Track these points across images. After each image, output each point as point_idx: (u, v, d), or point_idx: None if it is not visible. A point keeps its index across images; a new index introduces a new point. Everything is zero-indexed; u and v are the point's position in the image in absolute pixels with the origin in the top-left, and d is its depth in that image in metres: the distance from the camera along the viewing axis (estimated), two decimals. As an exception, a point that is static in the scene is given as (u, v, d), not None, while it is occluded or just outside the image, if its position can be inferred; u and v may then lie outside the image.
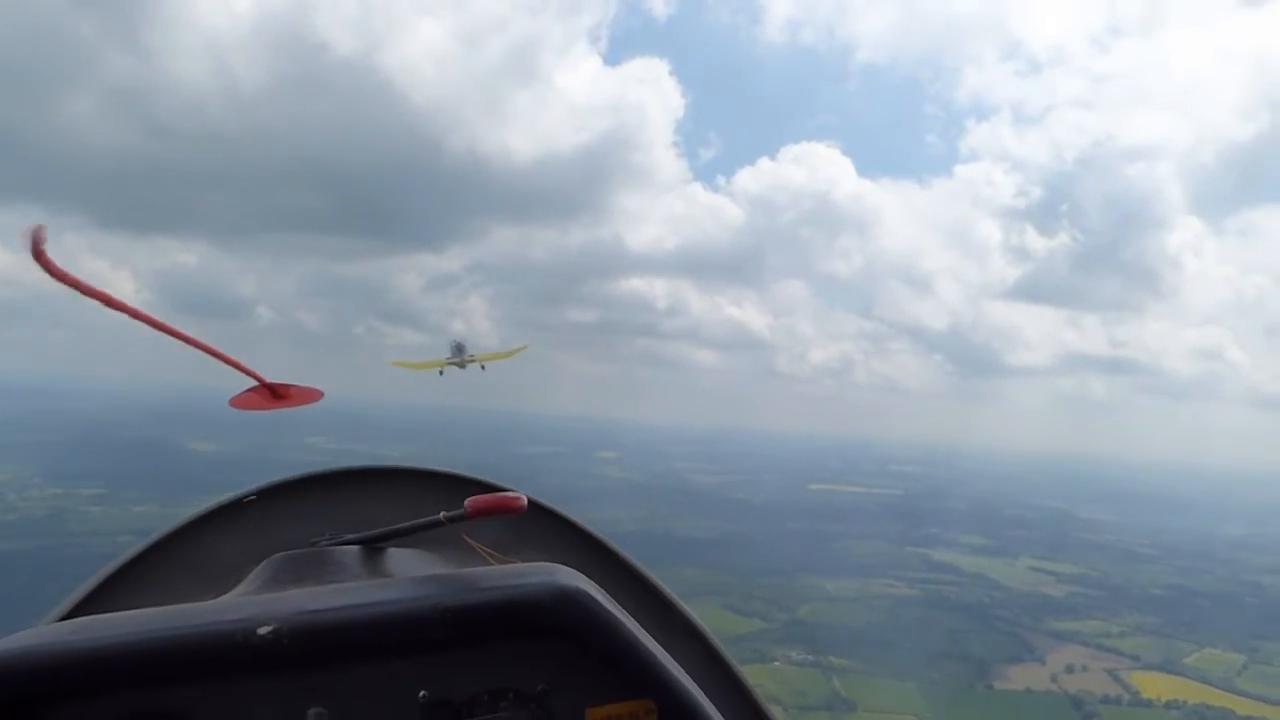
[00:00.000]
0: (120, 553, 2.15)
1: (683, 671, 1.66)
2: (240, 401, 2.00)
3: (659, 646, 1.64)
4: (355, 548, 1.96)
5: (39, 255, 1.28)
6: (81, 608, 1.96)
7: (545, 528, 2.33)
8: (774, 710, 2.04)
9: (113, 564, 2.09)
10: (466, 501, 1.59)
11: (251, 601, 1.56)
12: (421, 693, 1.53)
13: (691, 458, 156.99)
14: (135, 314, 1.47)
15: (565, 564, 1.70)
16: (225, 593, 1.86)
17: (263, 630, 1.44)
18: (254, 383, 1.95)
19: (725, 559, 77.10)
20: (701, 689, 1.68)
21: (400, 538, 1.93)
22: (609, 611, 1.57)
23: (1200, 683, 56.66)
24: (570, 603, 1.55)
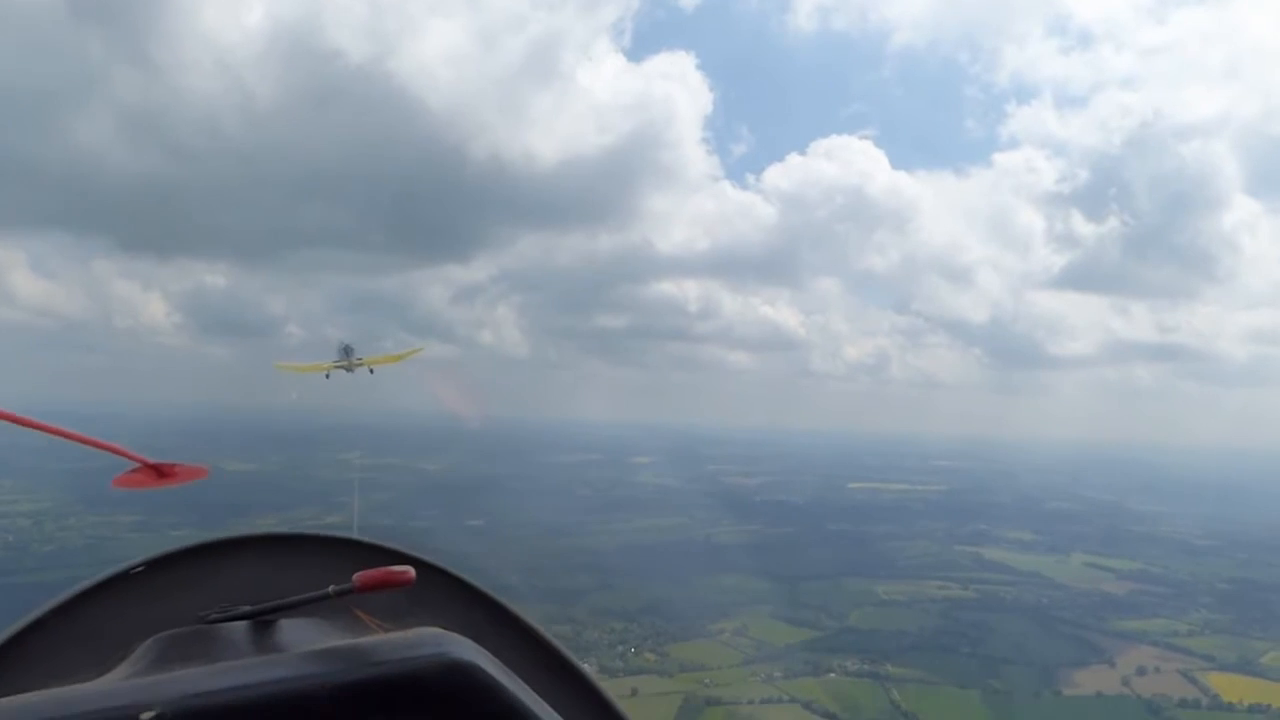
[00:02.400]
0: None
1: None
2: (124, 482, 2.04)
3: (546, 708, 1.65)
4: (244, 622, 1.92)
5: None
6: None
7: (438, 589, 2.25)
8: None
9: None
10: (355, 576, 1.63)
11: (136, 685, 1.50)
12: None
13: (728, 460, 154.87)
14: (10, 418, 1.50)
15: (458, 625, 1.75)
16: (111, 671, 1.81)
17: (146, 716, 1.39)
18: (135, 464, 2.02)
19: (768, 565, 74.98)
20: None
21: (289, 609, 1.89)
22: (494, 678, 1.58)
23: (1281, 683, 53.64)
24: (457, 672, 1.56)
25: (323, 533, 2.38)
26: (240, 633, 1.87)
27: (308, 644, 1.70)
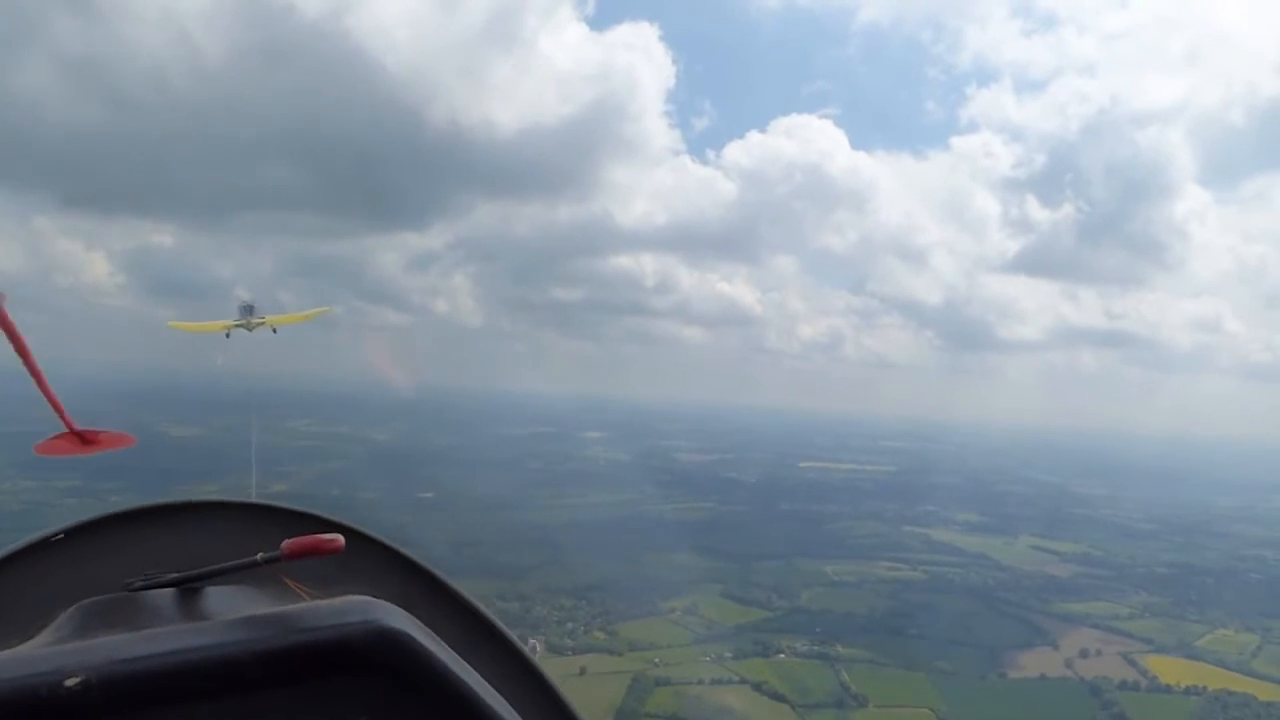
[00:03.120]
0: None
1: (497, 696, 1.70)
2: (46, 448, 2.06)
3: (473, 673, 1.68)
4: (170, 590, 1.89)
5: None
6: None
7: (367, 557, 2.23)
8: None
9: None
10: (284, 544, 1.63)
11: (58, 651, 1.49)
12: None
13: (680, 436, 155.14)
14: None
15: (388, 595, 1.75)
16: (32, 639, 1.79)
17: (70, 682, 1.39)
18: (63, 429, 2.02)
19: (720, 543, 75.07)
20: (520, 711, 1.75)
21: (215, 578, 1.88)
22: (422, 644, 1.60)
23: (1217, 666, 54.87)
24: (384, 638, 1.57)
25: (250, 500, 2.32)
26: (166, 600, 1.84)
27: (235, 612, 1.70)
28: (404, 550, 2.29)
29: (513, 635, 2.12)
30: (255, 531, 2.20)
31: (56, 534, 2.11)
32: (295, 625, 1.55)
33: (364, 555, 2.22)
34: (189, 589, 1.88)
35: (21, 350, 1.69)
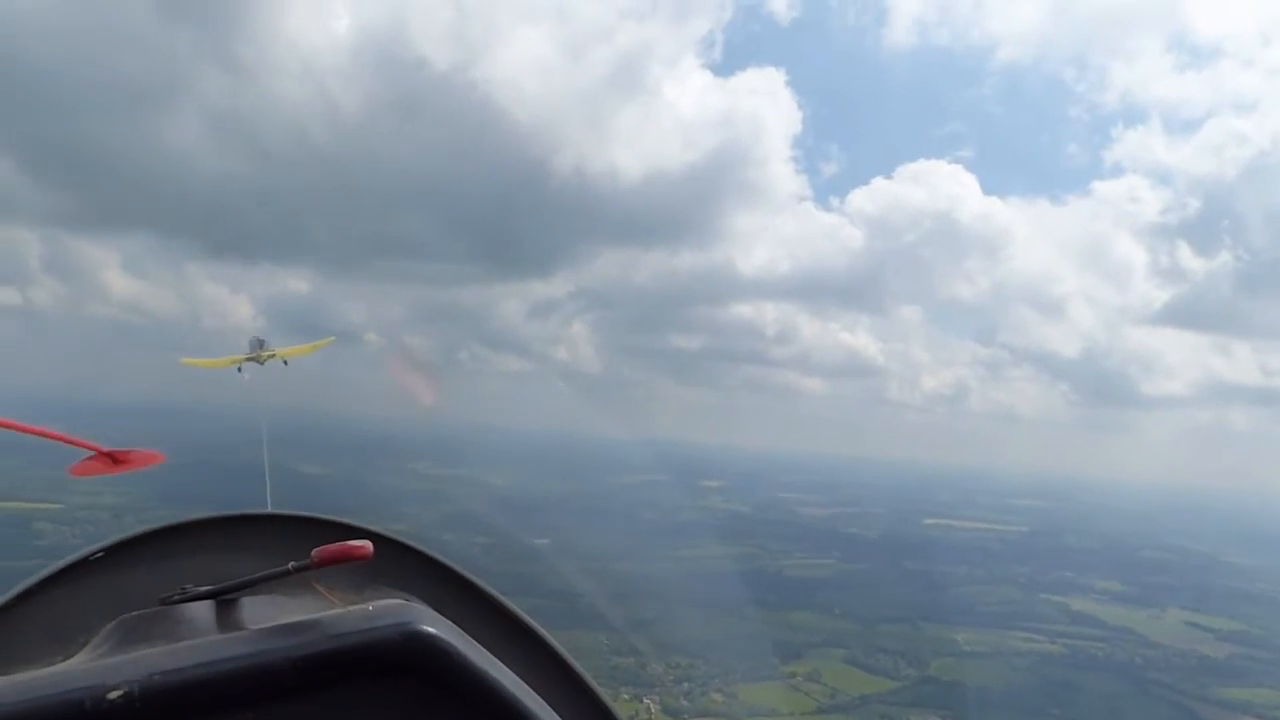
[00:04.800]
0: None
1: (535, 697, 1.72)
2: (80, 470, 2.10)
3: (510, 674, 1.71)
4: (206, 602, 1.96)
5: None
6: None
7: (399, 563, 2.30)
8: None
9: None
10: (314, 551, 1.66)
11: (101, 666, 1.56)
12: None
13: (800, 488, 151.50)
14: None
15: (420, 598, 1.84)
16: (74, 656, 1.87)
17: (113, 695, 1.44)
18: (89, 452, 2.08)
19: (842, 602, 72.35)
20: (560, 712, 1.77)
21: (250, 588, 1.95)
22: (456, 647, 1.63)
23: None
24: (418, 641, 1.60)
25: (280, 512, 2.41)
26: (202, 612, 1.90)
27: (269, 621, 1.76)
28: (435, 554, 2.31)
29: (547, 634, 2.14)
30: (287, 542, 2.22)
31: (97, 552, 2.17)
32: (328, 631, 1.59)
33: (396, 560, 2.24)
34: (224, 600, 1.94)
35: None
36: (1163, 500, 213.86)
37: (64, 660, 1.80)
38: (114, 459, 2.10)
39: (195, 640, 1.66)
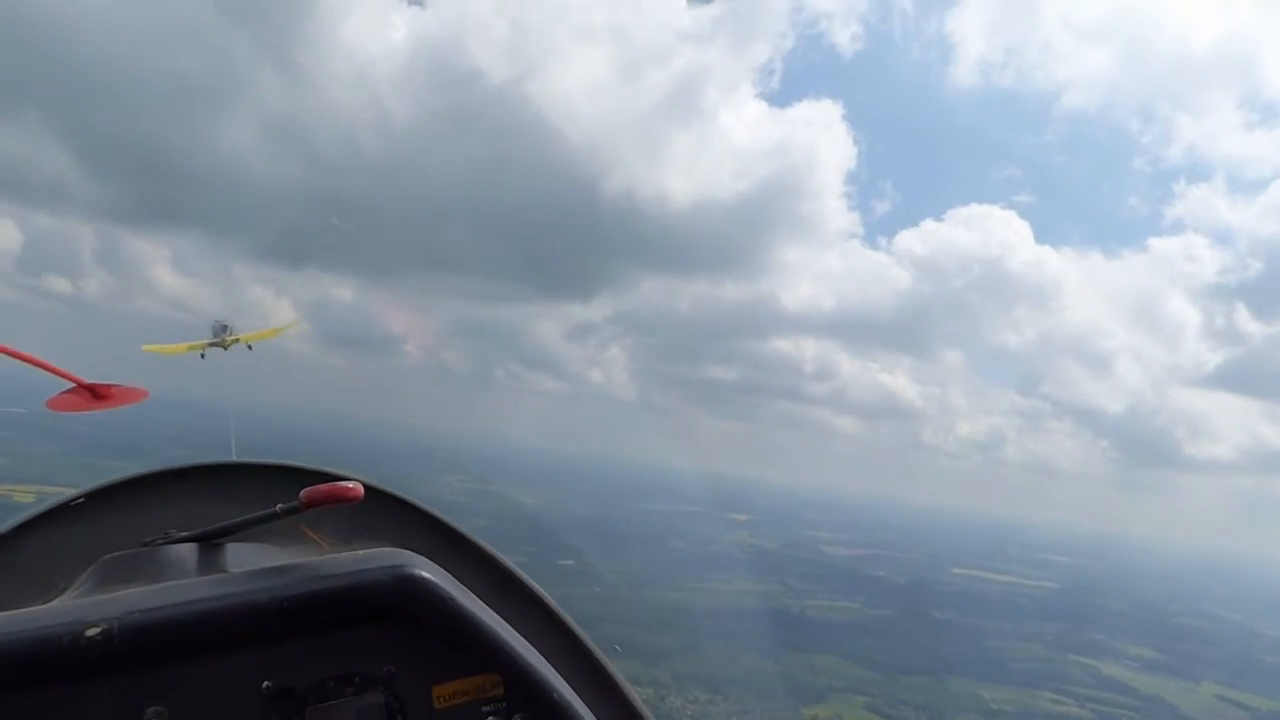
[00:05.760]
0: None
1: (526, 644, 1.75)
2: (58, 404, 2.05)
3: (501, 621, 1.73)
4: (190, 545, 1.96)
5: None
6: None
7: (390, 515, 2.30)
8: (625, 680, 2.09)
9: None
10: (302, 492, 1.65)
11: (79, 605, 1.58)
12: (264, 683, 1.57)
13: (827, 526, 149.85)
14: None
15: (410, 549, 1.82)
16: (53, 599, 1.88)
17: (91, 632, 1.46)
18: (69, 384, 2.02)
19: (866, 648, 71.07)
20: (550, 661, 1.81)
21: (236, 533, 1.95)
22: (447, 591, 1.65)
23: None
24: (409, 584, 1.62)
25: (264, 461, 2.37)
26: (186, 555, 1.89)
27: (255, 565, 1.77)
28: (426, 506, 2.28)
29: (537, 587, 2.12)
30: (271, 492, 2.13)
31: (77, 498, 2.13)
32: (317, 573, 1.60)
33: (386, 512, 2.22)
34: (208, 545, 1.91)
35: None
36: (1201, 565, 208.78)
37: (45, 602, 1.79)
38: (95, 393, 2.03)
39: (178, 580, 1.68)
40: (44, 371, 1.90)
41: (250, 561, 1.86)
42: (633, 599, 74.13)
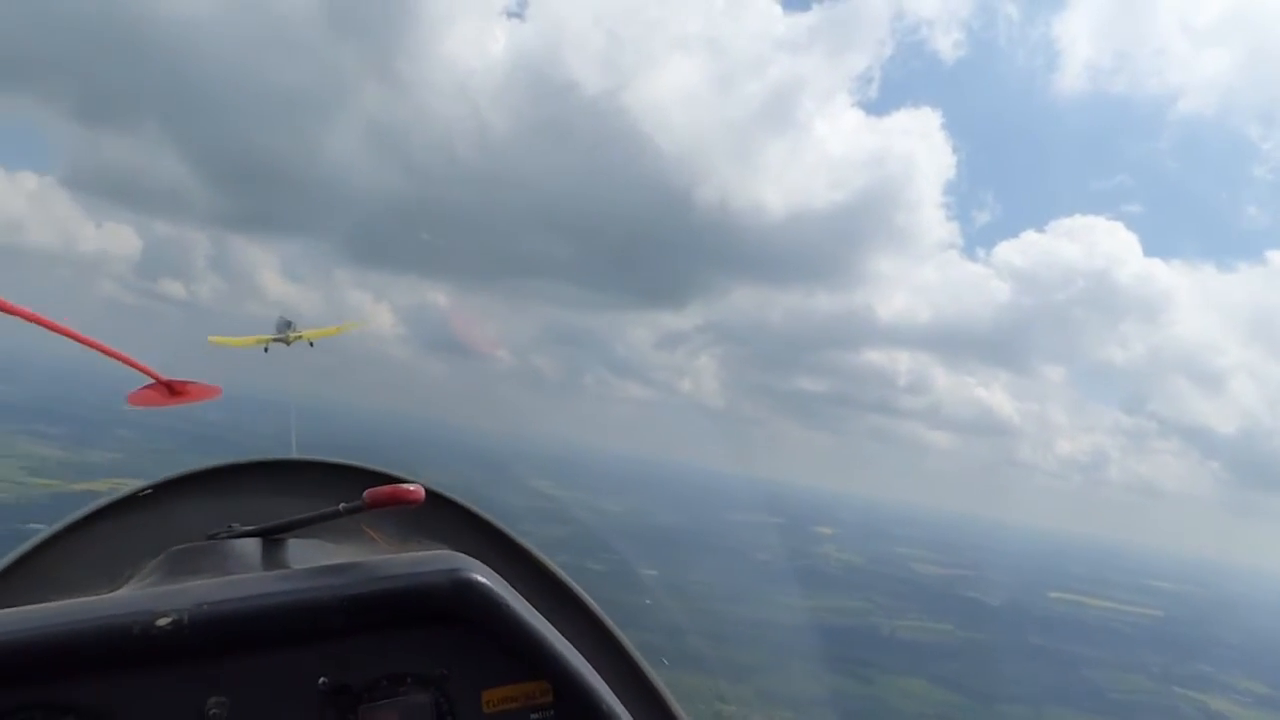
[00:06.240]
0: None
1: (576, 653, 1.76)
2: (138, 399, 2.10)
3: (553, 630, 1.74)
4: (254, 540, 2.01)
5: None
6: None
7: (446, 518, 2.34)
8: (669, 694, 2.06)
9: (3, 560, 2.10)
10: (365, 493, 1.67)
11: (150, 594, 1.63)
12: (321, 679, 1.61)
13: (917, 543, 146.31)
14: (28, 316, 1.60)
15: (464, 552, 1.86)
16: (121, 587, 1.93)
17: (162, 622, 1.49)
18: (149, 380, 2.07)
19: (958, 674, 68.66)
20: (599, 671, 1.80)
21: (298, 529, 1.99)
22: (503, 597, 1.67)
23: None
24: (466, 589, 1.64)
25: (326, 459, 2.42)
26: (250, 549, 1.95)
27: (316, 562, 1.81)
28: (480, 511, 2.31)
29: (589, 599, 2.12)
30: (333, 490, 2.25)
31: (145, 489, 2.21)
32: (378, 574, 1.63)
33: (442, 515, 2.26)
34: (271, 540, 1.98)
35: (54, 327, 1.68)
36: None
37: (112, 590, 1.83)
38: (171, 389, 2.06)
39: (245, 574, 1.72)
40: (127, 366, 1.93)
41: (310, 558, 1.90)
42: (716, 611, 73.28)
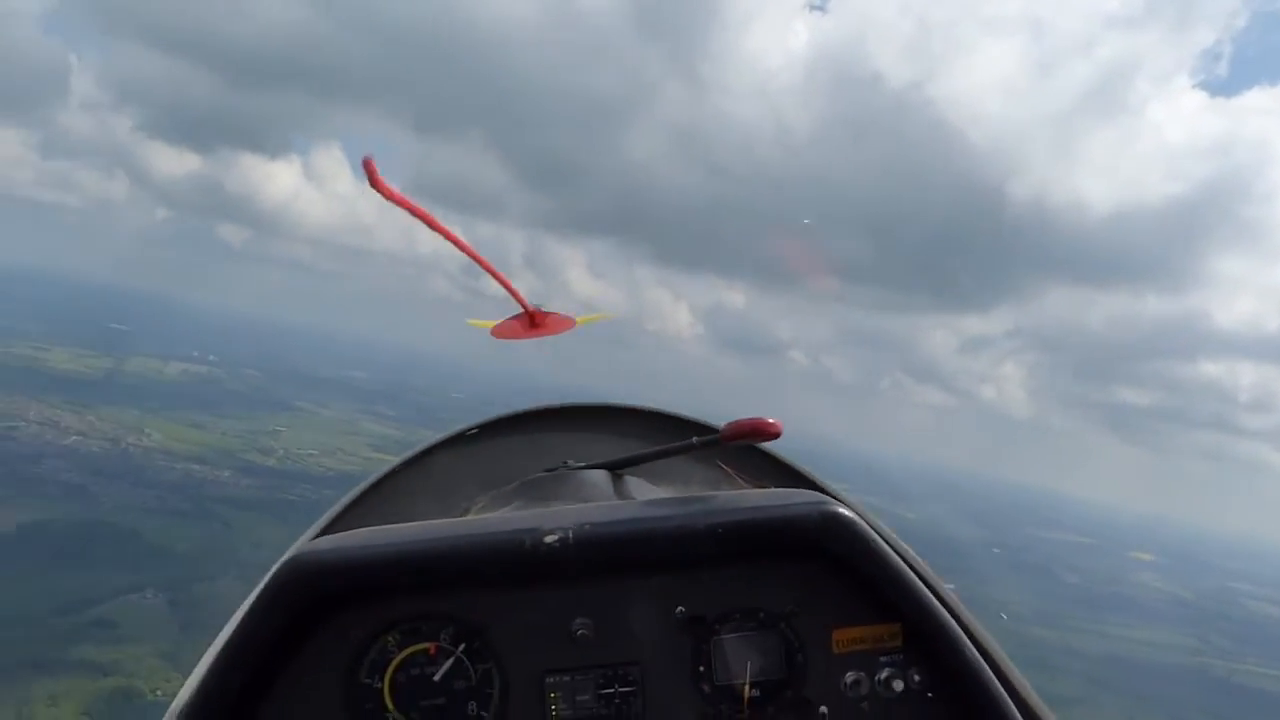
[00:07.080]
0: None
1: (934, 598, 1.69)
2: (503, 330, 2.14)
3: (913, 575, 1.67)
4: (602, 471, 2.07)
5: (375, 182, 1.48)
6: (333, 527, 2.11)
7: (776, 470, 2.36)
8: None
9: (354, 490, 2.27)
10: (725, 425, 1.68)
11: (534, 514, 1.67)
12: (679, 608, 1.61)
13: (1257, 579, 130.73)
14: (447, 235, 1.66)
15: None
16: (460, 515, 2.05)
17: (550, 539, 1.53)
18: (519, 309, 2.09)
19: (1312, 731, 61.30)
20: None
21: (649, 462, 2.05)
22: (871, 533, 1.62)
23: None
24: (834, 522, 1.60)
25: (641, 406, 2.52)
26: (602, 479, 2.02)
27: (661, 496, 1.86)
28: (803, 468, 2.35)
29: (920, 560, 2.05)
30: (648, 433, 2.36)
31: (471, 428, 2.42)
32: (745, 504, 1.62)
33: (772, 467, 2.31)
34: (619, 474, 2.05)
35: (453, 239, 1.71)
36: None
37: (454, 517, 1.95)
38: (534, 320, 2.08)
39: (620, 500, 1.78)
40: (508, 292, 1.99)
41: (656, 493, 1.96)
42: (1020, 633, 69.84)
